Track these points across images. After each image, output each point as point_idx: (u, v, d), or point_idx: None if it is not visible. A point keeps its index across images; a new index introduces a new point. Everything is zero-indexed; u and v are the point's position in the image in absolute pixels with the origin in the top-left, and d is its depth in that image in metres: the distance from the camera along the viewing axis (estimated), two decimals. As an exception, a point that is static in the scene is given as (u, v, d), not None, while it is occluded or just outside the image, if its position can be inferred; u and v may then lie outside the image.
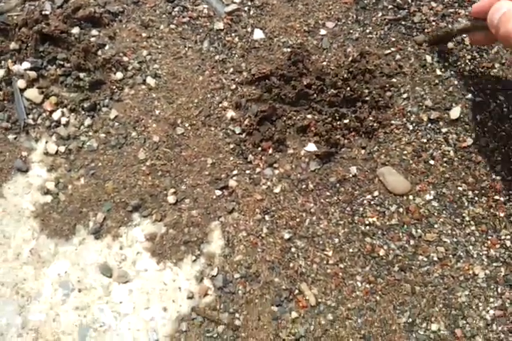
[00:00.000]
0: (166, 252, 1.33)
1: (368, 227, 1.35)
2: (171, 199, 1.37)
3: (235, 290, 1.29)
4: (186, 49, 1.55)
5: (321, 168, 1.40)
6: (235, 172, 1.40)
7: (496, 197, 1.38)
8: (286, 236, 1.33)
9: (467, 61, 1.52)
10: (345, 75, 1.47)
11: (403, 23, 1.58)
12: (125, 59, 1.54)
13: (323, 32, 1.56)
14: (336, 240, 1.33)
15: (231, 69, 1.52)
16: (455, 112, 1.45)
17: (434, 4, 1.61)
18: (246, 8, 1.60)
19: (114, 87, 1.50)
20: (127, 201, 1.37)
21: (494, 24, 1.21)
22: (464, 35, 1.54)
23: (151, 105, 1.48)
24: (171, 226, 1.35)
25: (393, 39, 1.55)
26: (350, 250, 1.33)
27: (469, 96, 1.48)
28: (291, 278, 1.30)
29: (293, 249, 1.33)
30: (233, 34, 1.56)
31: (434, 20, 1.58)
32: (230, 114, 1.47)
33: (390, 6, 1.60)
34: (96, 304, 1.30)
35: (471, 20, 1.37)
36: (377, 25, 1.57)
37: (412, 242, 1.33)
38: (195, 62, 1.53)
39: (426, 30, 1.56)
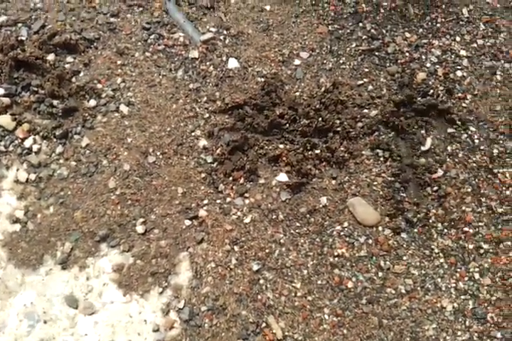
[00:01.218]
0: (133, 284, 1.32)
1: (336, 259, 1.34)
2: (140, 229, 1.36)
3: (202, 323, 1.27)
4: (161, 77, 1.56)
5: (292, 198, 1.40)
6: (205, 201, 1.40)
7: (466, 229, 1.38)
8: (255, 267, 1.32)
9: (439, 92, 1.54)
10: (317, 106, 1.48)
11: (377, 53, 1.59)
12: (99, 86, 1.54)
13: (297, 62, 1.57)
14: (305, 272, 1.33)
15: (205, 98, 1.52)
16: (426, 143, 1.46)
17: (408, 35, 1.63)
18: (222, 37, 1.61)
19: (87, 115, 1.50)
20: (95, 231, 1.36)
21: None
22: (437, 66, 1.56)
23: (123, 133, 1.48)
24: (138, 257, 1.34)
25: (366, 70, 1.56)
26: (319, 282, 1.32)
27: (441, 127, 1.49)
28: (258, 310, 1.29)
29: (261, 281, 1.32)
30: (208, 63, 1.57)
31: (407, 51, 1.60)
32: (203, 142, 1.47)
33: (364, 37, 1.62)
34: (61, 336, 1.28)
35: None
36: (350, 55, 1.59)
37: (380, 274, 1.33)
38: (169, 91, 1.54)
39: (399, 61, 1.58)
